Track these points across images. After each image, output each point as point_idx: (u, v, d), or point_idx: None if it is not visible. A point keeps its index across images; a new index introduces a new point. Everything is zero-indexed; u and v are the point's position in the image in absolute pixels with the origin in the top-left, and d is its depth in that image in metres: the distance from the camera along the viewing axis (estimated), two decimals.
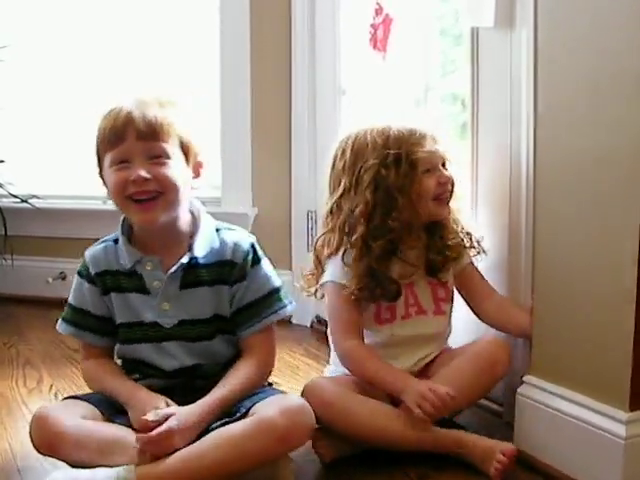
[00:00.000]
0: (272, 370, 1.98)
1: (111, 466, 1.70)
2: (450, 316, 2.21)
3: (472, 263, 2.18)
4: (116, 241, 1.95)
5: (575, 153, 1.81)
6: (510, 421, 2.09)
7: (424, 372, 2.13)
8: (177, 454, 1.72)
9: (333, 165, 2.10)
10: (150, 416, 1.73)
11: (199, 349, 1.91)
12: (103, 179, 1.90)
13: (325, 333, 2.75)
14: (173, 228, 1.90)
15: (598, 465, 1.76)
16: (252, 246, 1.95)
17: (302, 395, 1.95)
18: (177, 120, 1.86)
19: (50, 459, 1.81)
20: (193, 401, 1.81)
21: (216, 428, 1.77)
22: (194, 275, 1.90)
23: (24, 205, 3.30)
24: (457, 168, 2.11)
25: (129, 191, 1.81)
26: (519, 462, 1.93)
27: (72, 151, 3.48)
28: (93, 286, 1.94)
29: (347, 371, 2.09)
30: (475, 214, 2.27)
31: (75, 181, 3.49)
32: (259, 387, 1.91)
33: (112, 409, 1.85)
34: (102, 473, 1.69)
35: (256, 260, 1.95)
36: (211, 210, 3.10)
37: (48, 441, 1.74)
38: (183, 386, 1.91)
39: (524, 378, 1.99)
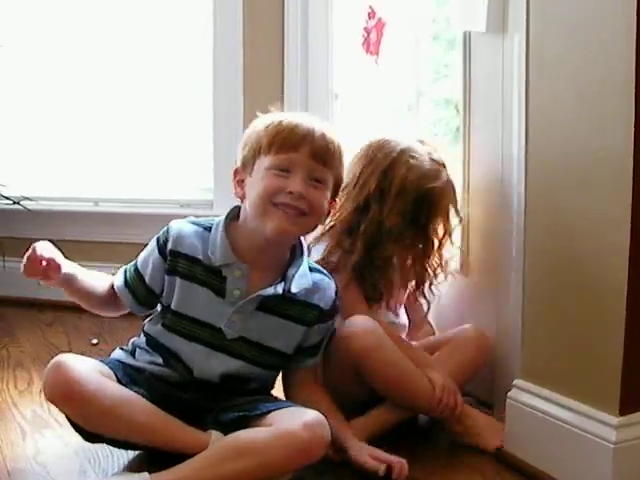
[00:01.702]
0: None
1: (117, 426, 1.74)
2: None
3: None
4: (208, 230, 1.92)
5: (566, 156, 1.82)
6: None
7: None
8: (194, 460, 1.73)
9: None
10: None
11: (239, 369, 1.91)
12: (237, 175, 1.92)
13: None
14: (280, 249, 1.91)
15: (588, 469, 1.76)
16: (336, 293, 1.99)
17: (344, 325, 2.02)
18: (344, 155, 1.90)
19: (40, 460, 1.81)
20: (198, 397, 1.86)
21: (230, 420, 1.80)
22: (276, 304, 1.91)
23: (16, 207, 3.29)
24: None
25: (279, 199, 1.81)
26: (509, 465, 1.94)
27: (64, 153, 3.47)
28: (162, 259, 1.91)
29: None
30: (467, 217, 2.28)
31: (67, 183, 3.48)
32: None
33: (128, 377, 1.84)
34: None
35: (336, 310, 2.00)
36: (203, 213, 3.11)
37: (64, 389, 1.73)
38: (200, 399, 1.90)
39: (514, 382, 1.99)
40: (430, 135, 2.60)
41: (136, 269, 1.96)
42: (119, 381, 1.82)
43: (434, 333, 2.35)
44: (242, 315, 1.88)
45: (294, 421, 1.75)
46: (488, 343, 2.18)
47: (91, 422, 1.76)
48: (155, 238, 1.93)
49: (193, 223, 1.93)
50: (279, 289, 1.88)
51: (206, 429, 1.82)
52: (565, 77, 1.81)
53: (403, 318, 2.27)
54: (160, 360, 1.91)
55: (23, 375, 2.62)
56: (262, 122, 1.89)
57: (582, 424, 1.79)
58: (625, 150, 1.65)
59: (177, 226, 1.92)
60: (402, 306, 2.27)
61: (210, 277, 1.88)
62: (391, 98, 2.71)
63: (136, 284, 1.95)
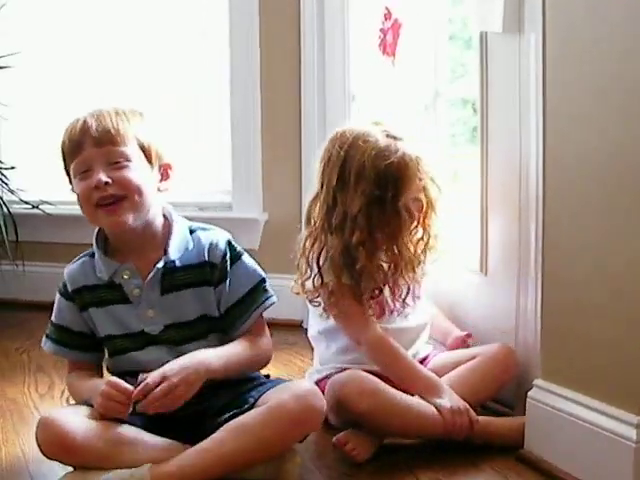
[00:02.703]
0: (270, 356, 1.99)
1: (120, 467, 1.71)
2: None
3: None
4: (92, 255, 1.97)
5: (584, 155, 1.82)
6: None
7: None
8: (191, 449, 1.74)
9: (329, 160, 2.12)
10: (145, 377, 1.75)
11: (190, 349, 1.88)
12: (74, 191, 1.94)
13: None
14: (146, 233, 1.92)
15: (608, 469, 1.76)
16: (229, 243, 1.96)
17: (335, 387, 2.00)
18: (134, 124, 1.89)
19: (61, 464, 1.80)
20: (190, 401, 1.80)
21: (224, 421, 1.77)
22: (173, 279, 1.91)
23: (35, 211, 3.31)
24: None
25: (94, 198, 1.84)
26: (530, 465, 1.94)
27: None
28: (71, 303, 1.96)
29: (337, 366, 2.13)
30: (484, 218, 2.28)
31: None
32: (257, 362, 1.95)
33: None
34: (116, 475, 1.70)
35: (235, 257, 1.96)
36: (222, 215, 3.15)
37: (56, 444, 1.74)
38: None
39: (535, 382, 1.99)
40: (445, 134, 2.61)
41: (55, 325, 2.00)
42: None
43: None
44: (153, 307, 1.90)
45: (283, 395, 1.77)
46: (515, 360, 2.15)
47: (92, 465, 1.75)
48: (57, 291, 2.01)
49: (78, 258, 2.00)
50: (160, 264, 1.89)
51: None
52: (583, 76, 1.81)
53: (417, 318, 2.23)
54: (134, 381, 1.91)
55: (44, 379, 2.65)
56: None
57: (603, 423, 1.78)
58: None
59: (67, 270, 2.00)
60: (413, 301, 2.22)
61: (112, 292, 1.92)
62: (408, 99, 2.71)
63: (63, 335, 1.98)
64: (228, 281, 1.93)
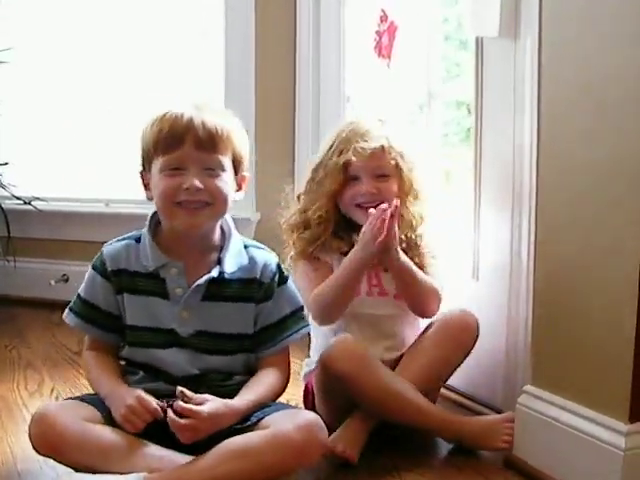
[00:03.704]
0: (286, 388, 1.98)
1: (113, 472, 1.70)
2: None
3: None
4: (138, 240, 1.94)
5: (578, 161, 1.82)
6: None
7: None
8: (188, 464, 1.72)
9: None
10: (185, 392, 1.74)
11: (213, 361, 1.90)
12: (144, 179, 1.91)
13: None
14: (204, 238, 1.91)
15: (597, 476, 1.76)
16: (279, 266, 1.97)
17: (324, 352, 2.03)
18: (234, 132, 1.87)
19: (51, 463, 1.80)
20: None
21: (224, 436, 1.76)
22: (218, 289, 1.90)
23: (27, 207, 3.30)
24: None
25: (180, 198, 1.82)
26: (518, 470, 1.94)
27: (76, 153, 3.48)
28: (107, 282, 1.91)
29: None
30: (477, 222, 2.28)
31: (78, 183, 3.49)
32: (274, 398, 1.93)
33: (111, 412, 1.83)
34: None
35: (283, 280, 1.96)
36: None
37: (49, 442, 1.73)
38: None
39: (524, 388, 1.99)
40: (438, 134, 2.61)
41: (83, 301, 1.95)
42: (103, 417, 1.80)
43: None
44: (190, 310, 1.88)
45: (288, 423, 1.75)
46: (474, 320, 2.12)
47: (81, 468, 1.74)
48: (91, 267, 1.95)
49: (122, 239, 1.96)
50: (214, 273, 1.88)
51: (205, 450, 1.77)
52: (577, 82, 1.81)
53: (397, 306, 2.19)
54: (144, 376, 1.91)
55: (34, 376, 2.63)
56: (149, 121, 1.87)
57: (592, 431, 1.78)
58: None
59: (108, 248, 1.95)
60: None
61: (151, 284, 1.89)
62: (402, 100, 2.71)
63: (90, 312, 1.94)
64: (272, 301, 1.94)
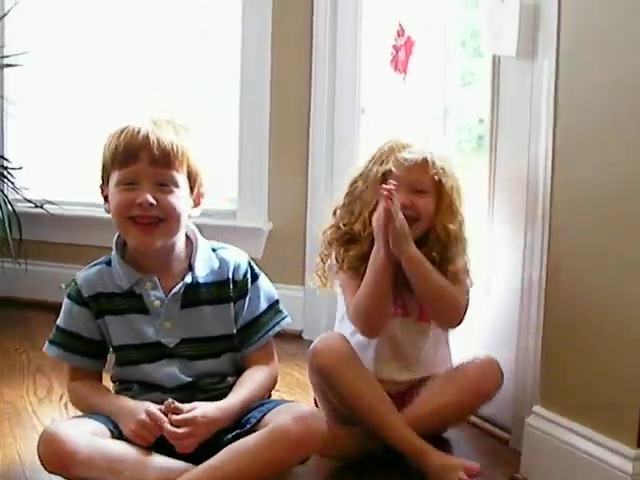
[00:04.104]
0: (276, 382, 2.02)
1: None
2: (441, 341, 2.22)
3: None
4: (108, 263, 1.96)
5: (594, 180, 1.82)
6: (517, 449, 2.10)
7: (409, 394, 2.15)
8: (193, 471, 1.74)
9: None
10: (176, 404, 1.77)
11: (202, 366, 1.92)
12: (103, 192, 1.93)
13: None
14: (170, 250, 1.93)
15: None
16: (249, 263, 2.00)
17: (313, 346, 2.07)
18: (190, 150, 1.88)
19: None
20: None
21: (227, 442, 1.78)
22: (195, 294, 1.93)
23: (39, 210, 3.31)
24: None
25: (132, 213, 1.84)
26: None
27: (89, 158, 3.47)
28: (85, 309, 1.93)
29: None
30: (490, 235, 2.29)
31: (90, 188, 3.48)
32: (267, 396, 1.97)
33: (118, 426, 1.83)
34: None
35: (255, 277, 1.99)
36: (226, 223, 3.15)
37: (58, 460, 1.73)
38: (183, 401, 1.87)
39: (533, 408, 1.99)
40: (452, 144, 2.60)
41: (62, 331, 1.96)
42: (112, 432, 1.81)
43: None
44: (171, 320, 1.91)
45: (285, 416, 1.77)
46: (497, 370, 2.10)
47: None
48: (66, 297, 1.97)
49: (93, 265, 1.98)
50: (188, 279, 1.91)
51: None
52: (595, 102, 1.81)
53: (420, 329, 2.19)
54: (139, 390, 1.93)
55: (43, 382, 2.64)
56: (109, 135, 1.89)
57: (599, 454, 1.78)
58: None
59: (82, 276, 1.96)
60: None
61: (129, 302, 1.91)
62: (418, 114, 2.71)
63: (70, 341, 1.95)
64: (247, 298, 1.97)
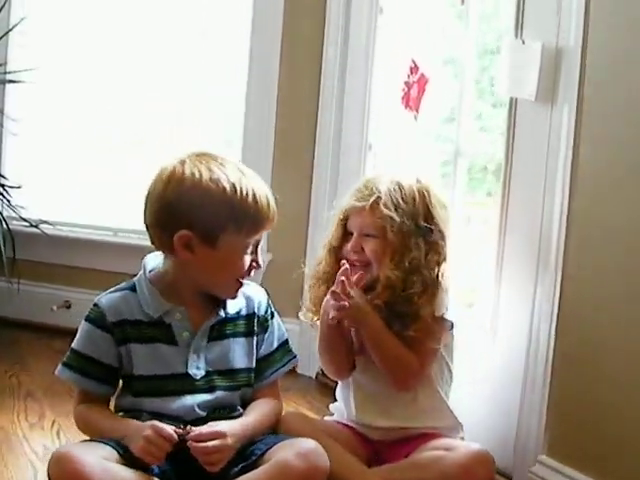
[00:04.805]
0: (280, 418, 2.02)
1: None
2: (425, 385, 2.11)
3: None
4: (132, 289, 1.94)
5: (611, 235, 1.81)
6: None
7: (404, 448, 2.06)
8: None
9: None
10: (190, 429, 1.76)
11: (221, 398, 1.91)
12: (186, 240, 1.84)
13: (331, 387, 2.73)
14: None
15: None
16: (268, 300, 2.04)
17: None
18: None
19: None
20: None
21: (234, 475, 1.77)
22: (221, 328, 1.94)
23: (34, 230, 3.25)
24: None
25: (244, 274, 1.89)
26: None
27: (87, 179, 3.44)
28: (108, 334, 1.89)
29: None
30: (499, 279, 2.26)
31: (87, 210, 3.45)
32: (271, 427, 1.96)
33: (129, 450, 1.78)
34: None
35: (272, 313, 2.04)
36: None
37: None
38: None
39: (538, 458, 1.98)
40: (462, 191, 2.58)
41: (80, 355, 1.91)
42: (122, 457, 1.77)
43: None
44: (199, 352, 1.90)
45: (288, 452, 1.77)
46: (488, 470, 1.93)
47: None
48: (86, 321, 1.92)
49: (115, 290, 1.95)
50: (221, 314, 1.93)
51: None
52: (616, 153, 1.80)
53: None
54: (150, 419, 1.86)
55: (34, 407, 2.59)
56: (218, 190, 1.83)
57: None
58: None
59: (106, 300, 1.92)
60: None
61: (157, 331, 1.90)
62: (428, 153, 2.70)
63: (87, 365, 1.91)
64: (267, 334, 2.01)
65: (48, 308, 3.37)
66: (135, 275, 1.98)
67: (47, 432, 2.39)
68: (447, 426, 2.09)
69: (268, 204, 1.88)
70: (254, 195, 1.85)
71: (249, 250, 1.88)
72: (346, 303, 1.95)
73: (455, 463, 1.89)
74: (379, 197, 2.02)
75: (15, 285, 3.19)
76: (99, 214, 3.43)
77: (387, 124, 2.88)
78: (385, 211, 2.01)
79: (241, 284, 1.91)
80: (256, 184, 1.87)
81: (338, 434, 2.06)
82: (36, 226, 3.26)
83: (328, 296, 2.01)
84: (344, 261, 2.01)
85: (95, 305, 1.92)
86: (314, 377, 3.08)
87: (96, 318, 1.91)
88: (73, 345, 1.93)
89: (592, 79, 1.91)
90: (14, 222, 3.26)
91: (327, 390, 2.81)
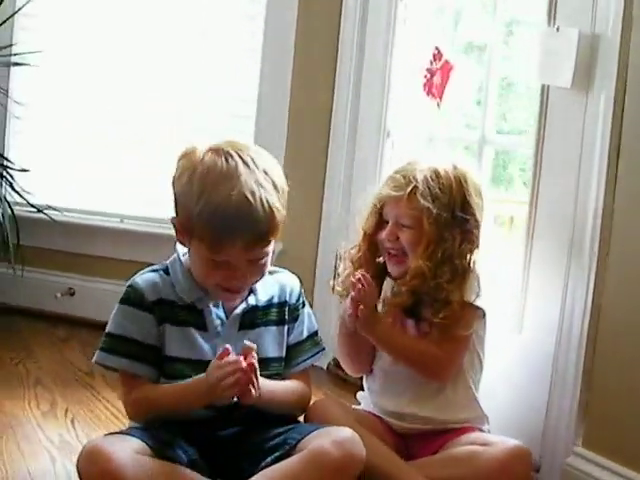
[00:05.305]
0: (309, 404, 1.99)
1: None
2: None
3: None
4: (165, 271, 1.90)
5: None
6: None
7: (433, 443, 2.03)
8: None
9: None
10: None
11: None
12: (178, 225, 1.83)
13: (342, 379, 2.71)
14: None
15: None
16: (301, 288, 2.01)
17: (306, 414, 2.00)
18: (283, 206, 1.85)
19: None
20: (234, 432, 1.84)
21: (266, 465, 1.74)
22: (253, 316, 1.91)
23: (40, 216, 3.18)
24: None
25: (224, 285, 1.81)
26: None
27: (93, 166, 3.37)
28: (149, 314, 1.84)
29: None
30: (526, 275, 2.23)
31: (94, 197, 3.38)
32: (297, 406, 1.95)
33: (159, 442, 1.75)
34: None
35: (304, 303, 2.01)
36: None
37: (105, 478, 1.63)
38: (221, 419, 1.84)
39: (575, 449, 1.95)
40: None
41: (123, 339, 1.85)
42: (152, 449, 1.73)
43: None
44: (229, 340, 1.84)
45: (324, 441, 1.74)
46: (526, 466, 1.90)
47: None
48: (123, 303, 1.86)
49: (150, 271, 1.91)
50: (252, 301, 1.90)
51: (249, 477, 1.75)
52: None
53: None
54: None
55: (45, 395, 2.54)
56: (192, 192, 1.77)
57: None
58: None
59: (142, 280, 1.87)
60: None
61: (190, 316, 1.87)
62: (451, 142, 2.66)
63: (136, 350, 1.84)
64: (297, 323, 1.98)
65: (52, 295, 3.31)
66: (141, 263, 1.97)
67: (61, 421, 2.35)
68: (474, 418, 2.06)
69: (231, 223, 1.72)
70: (217, 211, 1.73)
71: (215, 264, 1.78)
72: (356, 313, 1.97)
73: (493, 458, 1.86)
74: (416, 187, 1.99)
75: (19, 272, 3.13)
76: (105, 200, 3.36)
77: (407, 111, 2.84)
78: (422, 202, 1.98)
79: (231, 291, 1.83)
80: (234, 202, 1.72)
81: (370, 424, 2.02)
82: (41, 211, 3.19)
83: (347, 304, 1.99)
84: (357, 273, 2.00)
85: (130, 286, 1.87)
86: (325, 368, 3.04)
87: (134, 298, 1.85)
88: (111, 330, 1.87)
89: (636, 68, 1.87)
90: (17, 207, 3.20)
91: (339, 381, 2.79)
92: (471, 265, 2.02)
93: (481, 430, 2.04)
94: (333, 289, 2.16)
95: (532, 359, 2.19)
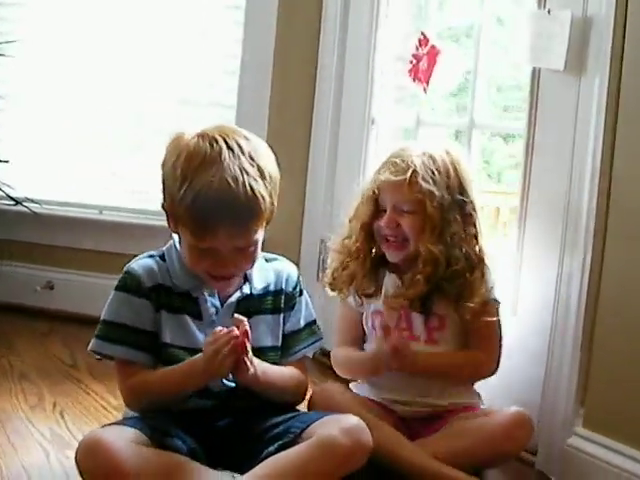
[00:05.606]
0: (305, 393, 1.98)
1: None
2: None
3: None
4: (162, 258, 1.88)
5: None
6: (544, 471, 2.07)
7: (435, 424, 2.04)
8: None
9: None
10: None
11: None
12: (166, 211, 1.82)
13: (328, 366, 2.70)
14: None
15: None
16: (298, 276, 1.98)
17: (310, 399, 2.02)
18: (274, 193, 1.82)
19: None
20: (233, 422, 1.83)
21: (270, 453, 1.73)
22: (248, 305, 1.89)
23: (19, 208, 3.13)
24: None
25: (212, 273, 1.80)
26: None
27: (72, 158, 3.33)
28: (147, 301, 1.83)
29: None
30: (520, 258, 2.23)
31: (73, 188, 3.34)
32: (293, 392, 1.92)
33: (157, 431, 1.73)
34: None
35: (301, 291, 1.98)
36: None
37: (105, 471, 1.62)
38: (220, 408, 1.84)
39: (576, 429, 1.97)
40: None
41: (120, 326, 1.83)
42: (150, 438, 1.71)
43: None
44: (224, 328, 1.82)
45: (332, 428, 1.72)
46: (526, 431, 1.95)
47: None
48: (119, 288, 1.84)
49: (148, 256, 1.89)
50: (246, 290, 1.88)
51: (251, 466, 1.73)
52: None
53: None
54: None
55: (31, 389, 2.51)
56: (176, 172, 1.75)
57: None
58: None
59: (136, 265, 1.86)
60: (441, 333, 2.09)
61: (185, 303, 1.85)
62: (437, 127, 2.65)
63: (134, 338, 1.83)
64: (293, 312, 1.95)
65: (31, 289, 3.26)
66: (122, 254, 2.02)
67: (50, 413, 2.32)
68: (473, 399, 2.10)
69: (214, 214, 1.70)
70: (198, 200, 1.71)
71: (200, 251, 1.77)
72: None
73: (496, 424, 1.91)
74: (415, 171, 1.98)
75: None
76: (83, 192, 3.32)
77: (391, 97, 2.82)
78: (424, 185, 1.97)
79: (218, 278, 1.81)
80: (217, 190, 1.70)
81: (372, 409, 2.02)
82: (20, 203, 3.14)
83: (385, 347, 1.96)
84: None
85: (127, 272, 1.85)
86: (311, 356, 3.02)
87: (132, 285, 1.83)
88: (106, 317, 1.84)
89: (631, 50, 1.88)
90: None
91: (325, 369, 2.77)
92: (482, 253, 2.03)
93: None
94: (326, 284, 2.16)
95: (529, 341, 2.19)
